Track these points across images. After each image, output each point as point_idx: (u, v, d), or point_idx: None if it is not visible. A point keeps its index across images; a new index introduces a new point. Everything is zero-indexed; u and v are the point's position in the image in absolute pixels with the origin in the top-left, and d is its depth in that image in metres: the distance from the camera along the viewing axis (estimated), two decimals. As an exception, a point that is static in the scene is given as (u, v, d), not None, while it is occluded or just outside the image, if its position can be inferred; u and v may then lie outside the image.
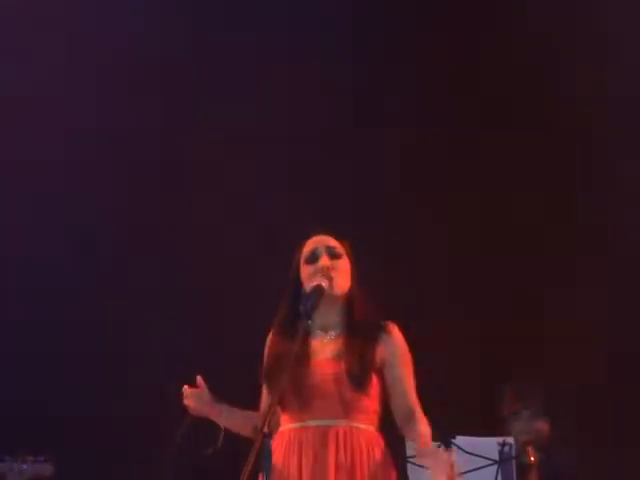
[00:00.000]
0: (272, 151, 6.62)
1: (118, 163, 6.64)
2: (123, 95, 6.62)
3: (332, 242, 3.89)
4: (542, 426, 5.40)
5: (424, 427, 3.69)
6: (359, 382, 3.71)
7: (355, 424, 3.74)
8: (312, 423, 3.73)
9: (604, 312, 6.21)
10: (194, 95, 6.77)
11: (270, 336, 3.92)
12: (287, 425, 3.79)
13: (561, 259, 6.43)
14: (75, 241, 6.66)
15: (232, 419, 3.86)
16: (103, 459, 6.38)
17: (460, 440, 4.67)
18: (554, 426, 5.45)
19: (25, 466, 5.25)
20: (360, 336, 3.79)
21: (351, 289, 3.85)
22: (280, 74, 6.67)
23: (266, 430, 3.16)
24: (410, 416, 3.73)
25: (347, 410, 3.72)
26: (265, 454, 3.11)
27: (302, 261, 3.88)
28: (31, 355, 6.54)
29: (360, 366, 3.72)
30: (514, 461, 4.89)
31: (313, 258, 3.84)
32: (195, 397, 3.81)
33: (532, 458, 5.18)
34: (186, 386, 3.83)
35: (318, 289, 3.72)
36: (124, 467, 6.23)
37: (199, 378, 3.81)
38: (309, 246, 3.90)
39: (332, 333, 3.85)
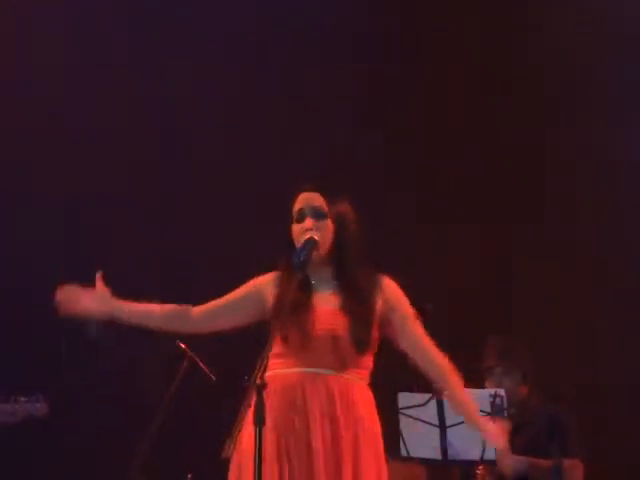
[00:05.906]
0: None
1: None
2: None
3: (317, 201, 3.90)
4: (513, 388, 5.25)
5: (458, 379, 3.86)
6: (362, 344, 3.78)
7: (350, 377, 3.80)
8: (309, 370, 3.76)
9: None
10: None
11: (276, 276, 3.93)
12: (281, 369, 3.79)
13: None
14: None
15: (135, 315, 3.89)
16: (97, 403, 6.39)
17: (452, 392, 4.66)
18: (530, 389, 5.33)
19: (17, 406, 5.24)
20: (357, 296, 3.83)
21: (336, 248, 3.87)
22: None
23: (259, 381, 3.15)
24: (432, 359, 3.86)
25: (344, 364, 3.78)
26: (259, 407, 3.10)
27: (293, 218, 3.92)
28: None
29: (363, 329, 3.79)
30: (506, 412, 4.88)
31: (299, 218, 3.88)
32: (97, 296, 3.84)
33: None
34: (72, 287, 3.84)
35: (310, 241, 3.75)
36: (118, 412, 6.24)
37: (99, 275, 3.86)
38: (297, 204, 3.93)
39: (330, 287, 3.88)
